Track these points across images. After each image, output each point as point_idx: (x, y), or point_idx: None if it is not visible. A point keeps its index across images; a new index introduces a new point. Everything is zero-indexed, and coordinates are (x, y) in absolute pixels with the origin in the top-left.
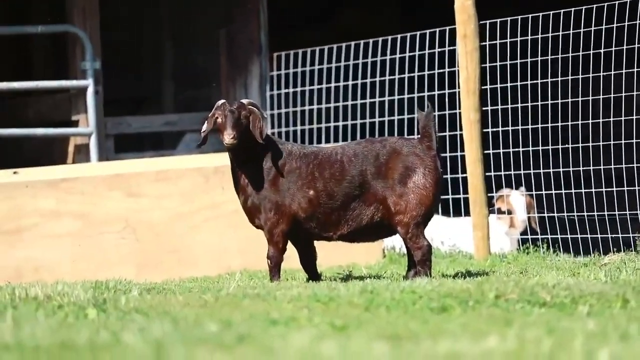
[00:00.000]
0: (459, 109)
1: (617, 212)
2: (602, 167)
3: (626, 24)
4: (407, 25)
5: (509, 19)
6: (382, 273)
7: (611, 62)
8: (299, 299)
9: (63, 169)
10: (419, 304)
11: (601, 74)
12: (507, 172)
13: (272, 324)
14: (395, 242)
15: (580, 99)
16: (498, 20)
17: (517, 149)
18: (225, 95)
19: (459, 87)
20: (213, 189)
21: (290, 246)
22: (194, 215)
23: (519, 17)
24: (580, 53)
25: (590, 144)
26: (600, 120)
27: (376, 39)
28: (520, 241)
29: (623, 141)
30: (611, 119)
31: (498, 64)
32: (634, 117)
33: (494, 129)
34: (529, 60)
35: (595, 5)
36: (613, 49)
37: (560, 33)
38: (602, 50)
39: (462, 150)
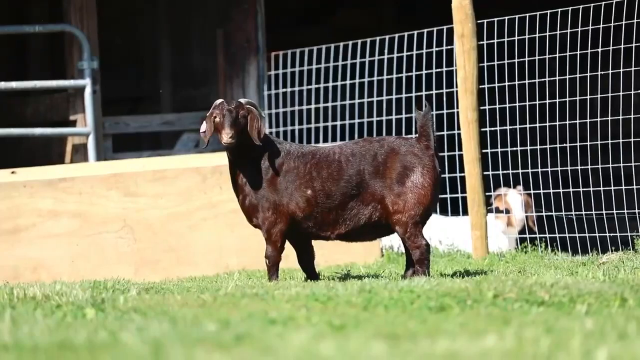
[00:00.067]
0: (457, 108)
1: (615, 211)
2: (600, 166)
3: (623, 22)
4: (404, 25)
5: (506, 18)
6: (381, 272)
7: (608, 61)
8: (297, 298)
9: (61, 169)
10: (417, 303)
11: (599, 73)
12: (505, 172)
13: (270, 323)
14: (394, 241)
15: (577, 98)
16: (495, 19)
17: (514, 148)
18: (223, 94)
19: (456, 87)
20: (211, 188)
21: (288, 245)
22: (192, 215)
23: (517, 16)
24: (578, 52)
25: (588, 143)
26: (598, 119)
27: (374, 39)
28: (519, 240)
29: (621, 140)
30: (609, 118)
31: (496, 63)
32: (632, 116)
33: (492, 128)
34: (526, 59)
35: (592, 5)
36: (610, 48)
37: (558, 32)
38: (599, 50)
39: (460, 149)
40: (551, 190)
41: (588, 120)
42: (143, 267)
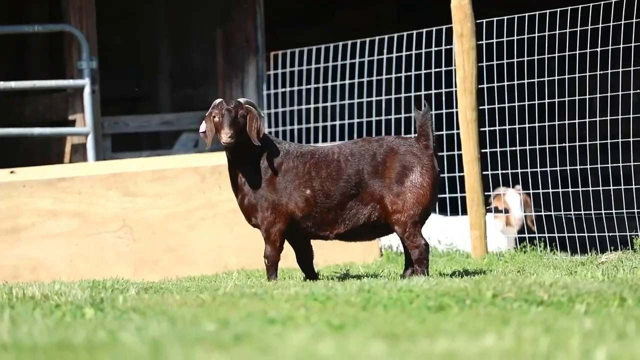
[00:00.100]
0: (456, 107)
1: (614, 211)
2: (599, 165)
3: (622, 22)
4: (404, 24)
5: (505, 17)
6: (380, 272)
7: (608, 60)
8: (296, 298)
9: (60, 169)
10: (416, 302)
11: (598, 72)
12: (504, 171)
13: (269, 323)
14: (393, 240)
15: (577, 97)
16: (495, 19)
17: (514, 148)
18: (222, 94)
19: (455, 86)
20: (210, 188)
21: (287, 245)
22: (191, 215)
23: (516, 15)
24: (577, 52)
25: (587, 143)
26: (597, 118)
27: (373, 38)
28: (518, 240)
29: (620, 140)
30: (608, 118)
31: (495, 62)
32: (631, 116)
33: (491, 128)
34: (525, 59)
35: (591, 4)
36: (610, 47)
37: (557, 32)
38: (598, 49)
39: (459, 149)
40: (550, 190)
41: (587, 120)
42: (142, 267)
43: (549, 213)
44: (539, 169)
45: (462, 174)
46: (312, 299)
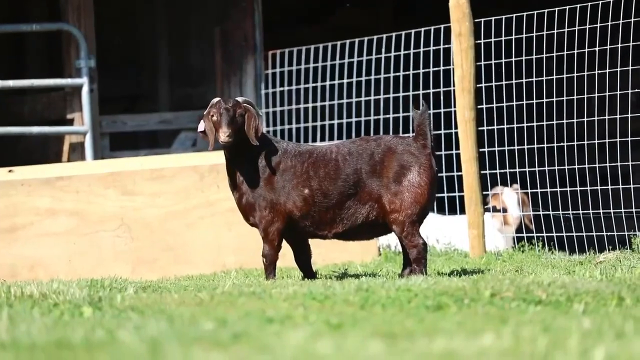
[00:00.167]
0: (454, 107)
1: (612, 210)
2: (597, 165)
3: (621, 22)
4: (403, 24)
5: (503, 17)
6: (378, 271)
7: (606, 60)
8: (294, 297)
9: (58, 167)
10: (414, 302)
11: (596, 72)
12: (502, 170)
13: (267, 322)
14: (391, 240)
15: (575, 97)
16: (493, 18)
17: (512, 147)
18: (220, 93)
19: (453, 85)
20: (208, 187)
21: (285, 244)
22: (189, 214)
23: (514, 15)
24: (575, 51)
25: (586, 142)
26: (595, 118)
27: (371, 37)
28: (516, 239)
29: (618, 139)
30: (606, 117)
31: (493, 62)
32: (629, 115)
33: (489, 127)
34: (523, 58)
35: (590, 3)
36: (608, 47)
37: (555, 31)
38: (596, 49)
39: (457, 148)
40: (548, 189)
41: (585, 119)
42: (140, 266)
43: (547, 212)
44: (537, 169)
45: (460, 173)
46: (311, 298)
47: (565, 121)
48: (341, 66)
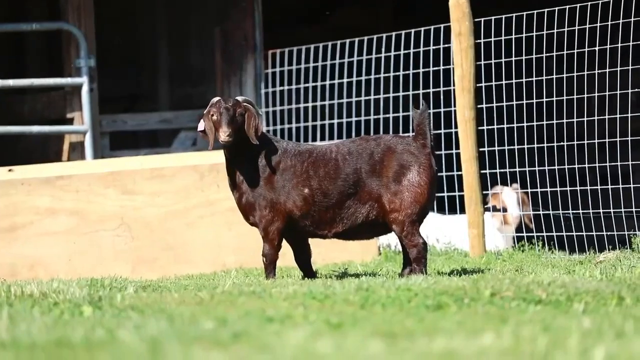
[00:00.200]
0: (454, 106)
1: (612, 210)
2: (597, 164)
3: (621, 21)
4: (402, 23)
5: (503, 16)
6: (378, 271)
7: (606, 59)
8: (294, 296)
9: (58, 167)
10: (414, 301)
11: (596, 71)
12: (502, 170)
13: (267, 321)
14: (391, 239)
15: (575, 96)
16: (493, 17)
17: (512, 147)
18: (220, 92)
19: (453, 85)
20: (208, 186)
21: (285, 244)
22: (189, 213)
23: (514, 14)
24: (575, 51)
25: (586, 142)
26: (595, 117)
27: (371, 37)
28: (516, 239)
29: (618, 139)
30: (606, 117)
31: (493, 61)
32: (629, 115)
33: (489, 127)
34: (523, 57)
35: (589, 3)
36: (608, 46)
37: (555, 31)
38: (596, 48)
39: (457, 147)
40: (548, 189)
41: (585, 119)
42: (140, 265)
43: (547, 212)
44: (537, 168)
45: (460, 172)
46: (311, 298)
47: (565, 121)
48: (341, 66)
